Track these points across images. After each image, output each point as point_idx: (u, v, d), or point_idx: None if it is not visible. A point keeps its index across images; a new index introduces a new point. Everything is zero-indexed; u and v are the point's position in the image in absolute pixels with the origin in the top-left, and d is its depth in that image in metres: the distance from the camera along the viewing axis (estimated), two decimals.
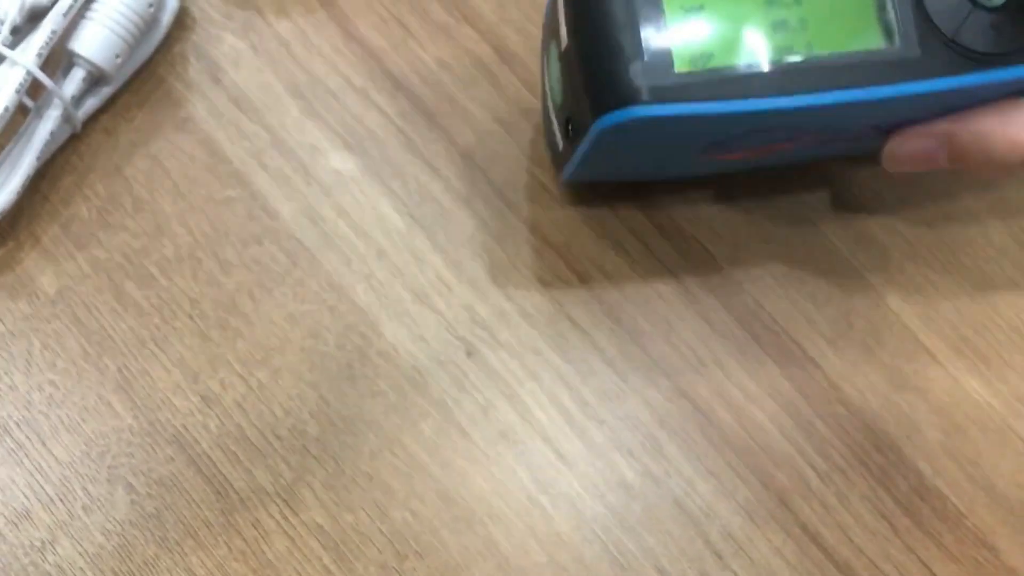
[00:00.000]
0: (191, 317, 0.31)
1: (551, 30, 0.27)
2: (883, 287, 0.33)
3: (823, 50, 0.24)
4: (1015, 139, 0.26)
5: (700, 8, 0.24)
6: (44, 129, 0.30)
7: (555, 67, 0.28)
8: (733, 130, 0.26)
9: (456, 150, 0.33)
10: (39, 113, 0.30)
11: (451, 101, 0.34)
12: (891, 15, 0.24)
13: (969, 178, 0.34)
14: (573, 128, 0.27)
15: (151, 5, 0.31)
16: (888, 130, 0.28)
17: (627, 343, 0.32)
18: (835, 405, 0.32)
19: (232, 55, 0.34)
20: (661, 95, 0.24)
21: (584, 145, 0.27)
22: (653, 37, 0.24)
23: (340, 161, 0.33)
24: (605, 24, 0.24)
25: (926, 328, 0.33)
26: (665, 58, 0.24)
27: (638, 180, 0.33)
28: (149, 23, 0.32)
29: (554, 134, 0.30)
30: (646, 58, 0.23)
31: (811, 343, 0.32)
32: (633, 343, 0.32)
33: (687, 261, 0.33)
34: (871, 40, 0.24)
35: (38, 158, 0.30)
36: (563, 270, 0.32)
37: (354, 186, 0.33)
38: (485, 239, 0.33)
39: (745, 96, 0.24)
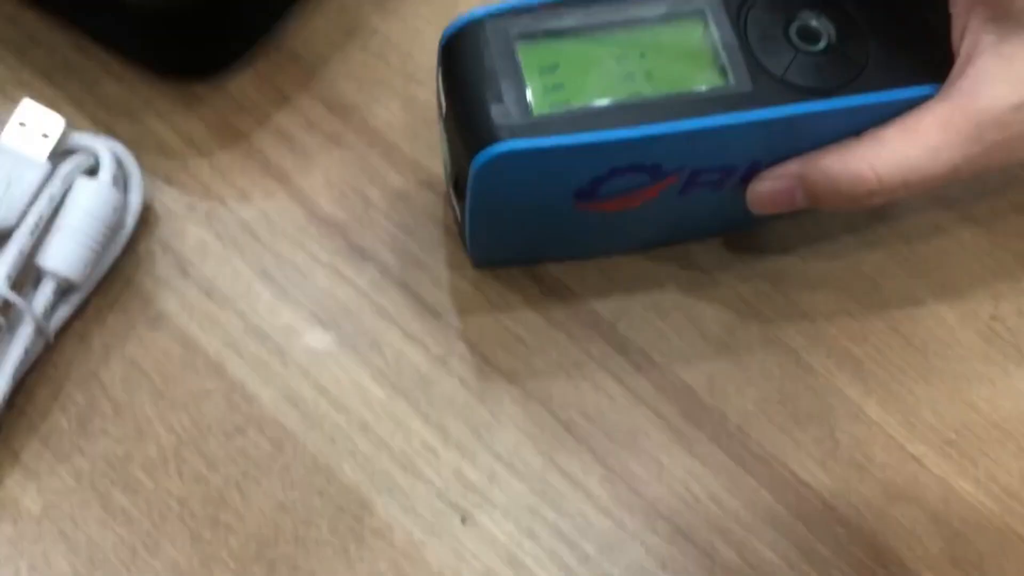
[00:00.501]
0: (181, 518, 0.30)
1: (439, 111, 0.30)
2: (862, 399, 0.33)
3: (666, 90, 0.27)
4: (857, 173, 0.28)
5: (555, 65, 0.28)
6: (17, 348, 0.30)
7: (443, 140, 0.31)
8: (592, 167, 0.28)
9: (428, 312, 0.34)
10: (11, 331, 0.30)
11: (419, 265, 0.34)
12: (724, 60, 0.28)
13: (928, 279, 0.35)
14: (459, 184, 0.30)
15: (116, 210, 0.32)
16: (747, 178, 0.30)
17: (620, 488, 0.32)
18: (834, 526, 0.32)
19: (198, 246, 0.34)
20: (523, 131, 0.27)
21: (469, 196, 0.29)
22: (513, 89, 0.27)
23: (315, 339, 0.33)
24: (472, 83, 0.27)
25: (910, 435, 0.33)
26: (525, 104, 0.27)
27: (543, 258, 0.34)
28: (115, 228, 0.32)
29: (454, 209, 0.32)
30: (507, 105, 0.27)
31: (801, 466, 0.32)
32: (626, 487, 0.32)
33: (667, 396, 0.33)
34: (708, 80, 0.28)
35: (13, 377, 0.30)
36: (547, 419, 0.33)
37: (331, 362, 0.33)
38: (467, 398, 0.33)
39: (595, 128, 0.27)
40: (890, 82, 0.28)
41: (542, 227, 0.32)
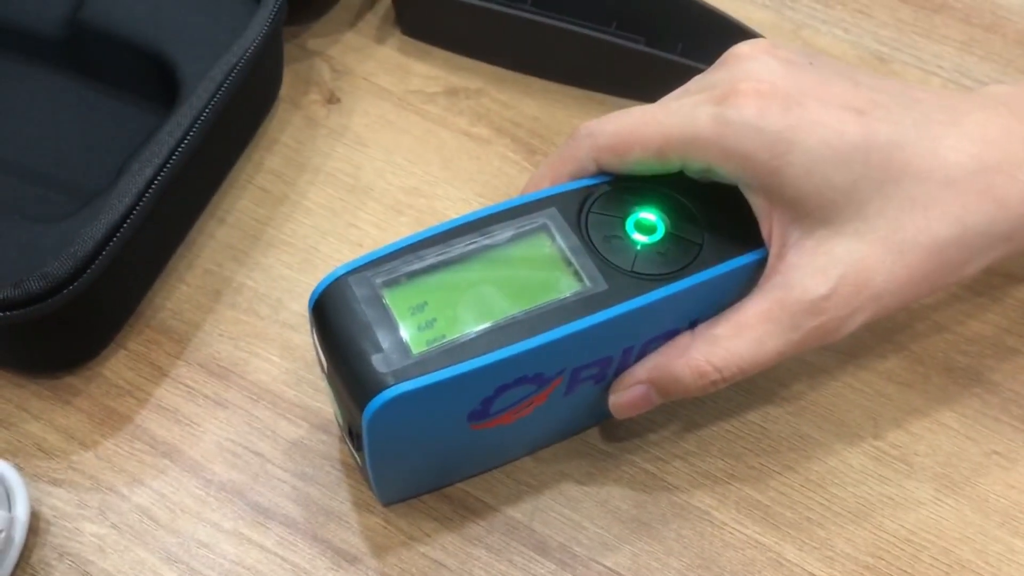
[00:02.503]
0: None
1: (320, 366, 0.31)
2: (778, 545, 0.34)
3: (531, 304, 0.29)
4: (697, 369, 0.31)
5: (424, 304, 0.29)
6: None
7: (330, 392, 0.32)
8: (480, 390, 0.29)
9: (344, 559, 0.33)
10: None
11: (326, 512, 0.34)
12: (576, 266, 0.30)
13: (810, 415, 0.37)
14: (355, 434, 0.30)
15: (2, 530, 0.31)
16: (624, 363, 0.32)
17: None
18: None
19: (95, 543, 0.33)
20: (407, 374, 0.28)
21: (366, 445, 0.29)
22: (389, 334, 0.28)
23: None
24: (348, 338, 0.28)
25: (830, 569, 0.34)
26: (403, 346, 0.28)
27: (449, 482, 0.35)
28: (3, 546, 0.31)
29: (352, 451, 0.33)
30: (386, 351, 0.28)
31: None
32: None
33: None
34: (566, 286, 0.30)
35: None
36: None
37: None
38: None
39: (474, 355, 0.28)
40: (727, 254, 0.31)
41: (444, 454, 0.32)
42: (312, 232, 0.41)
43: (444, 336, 0.28)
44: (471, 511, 0.34)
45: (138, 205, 0.35)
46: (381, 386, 0.27)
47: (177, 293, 0.39)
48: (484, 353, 0.28)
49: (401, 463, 0.32)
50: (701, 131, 0.29)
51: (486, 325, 0.29)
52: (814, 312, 0.30)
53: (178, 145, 0.36)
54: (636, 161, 0.31)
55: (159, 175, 0.35)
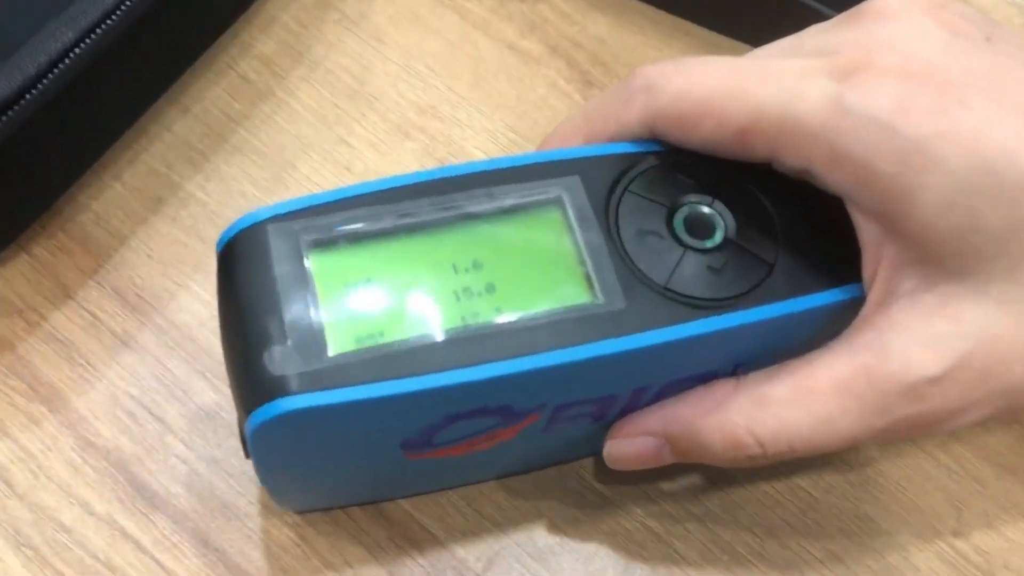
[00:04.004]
0: None
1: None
2: None
3: (512, 312, 0.20)
4: (732, 437, 0.22)
5: (366, 280, 0.20)
6: None
7: None
8: (419, 417, 0.21)
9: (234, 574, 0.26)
10: None
11: (226, 511, 0.26)
12: (590, 267, 0.21)
13: (880, 484, 0.28)
14: (244, 439, 0.21)
15: None
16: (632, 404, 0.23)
17: None
18: None
19: None
20: (315, 382, 0.19)
21: (252, 457, 0.21)
22: (303, 319, 0.20)
23: None
24: (245, 312, 0.20)
25: None
26: (318, 340, 0.19)
27: (379, 500, 0.27)
28: None
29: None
30: (293, 344, 0.19)
31: None
32: None
33: None
34: (568, 296, 0.20)
35: None
36: None
37: None
38: None
39: (416, 372, 0.19)
40: (806, 285, 0.22)
41: (367, 475, 0.24)
42: (293, 143, 0.32)
43: (382, 335, 0.20)
44: (412, 543, 0.27)
45: (55, 70, 0.26)
46: (275, 392, 0.19)
47: (108, 193, 0.31)
48: (431, 371, 0.20)
49: (303, 479, 0.24)
50: (807, 117, 0.20)
51: (444, 331, 0.20)
52: (914, 397, 0.21)
53: (119, 4, 0.28)
54: (705, 139, 0.22)
55: (90, 36, 0.27)
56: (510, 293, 0.21)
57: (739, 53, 0.24)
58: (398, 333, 0.20)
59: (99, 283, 0.29)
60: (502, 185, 0.22)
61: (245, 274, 0.21)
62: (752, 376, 0.22)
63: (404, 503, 0.27)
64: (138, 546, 0.26)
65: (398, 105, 0.34)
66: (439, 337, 0.20)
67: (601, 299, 0.21)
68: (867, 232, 0.21)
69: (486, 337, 0.20)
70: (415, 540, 0.27)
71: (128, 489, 0.26)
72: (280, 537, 0.26)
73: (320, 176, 0.32)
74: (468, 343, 0.20)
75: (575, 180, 0.22)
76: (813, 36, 0.22)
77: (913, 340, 0.20)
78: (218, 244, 0.21)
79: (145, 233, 0.30)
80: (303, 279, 0.20)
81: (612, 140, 0.23)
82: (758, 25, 0.31)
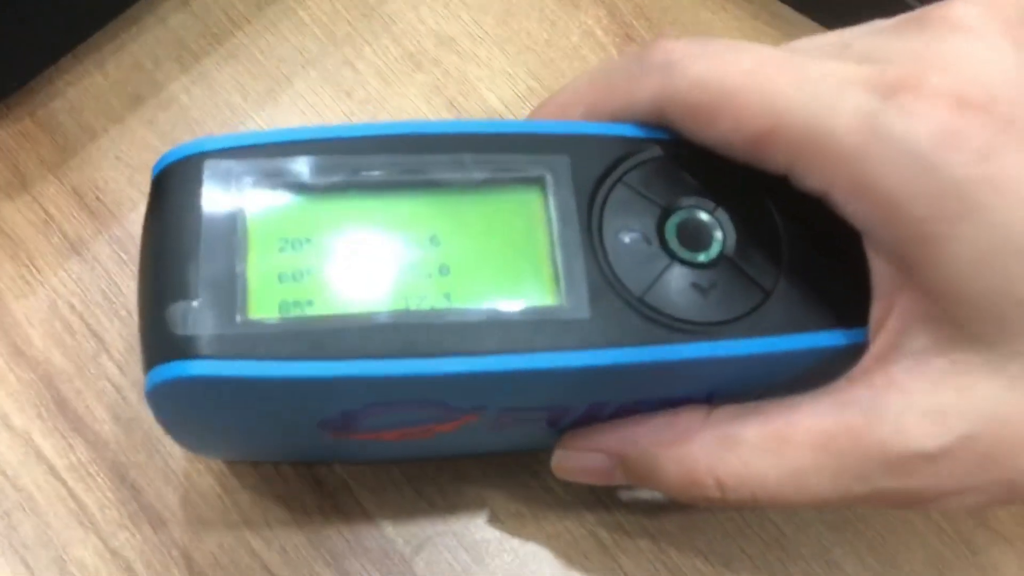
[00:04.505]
0: None
1: None
2: None
3: (462, 303, 0.18)
4: (691, 474, 0.19)
5: (304, 240, 0.18)
6: None
7: None
8: (337, 401, 0.19)
9: (147, 518, 0.24)
10: None
11: (149, 446, 0.25)
12: (559, 264, 0.18)
13: (858, 530, 0.26)
14: None
15: None
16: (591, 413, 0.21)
17: None
18: None
19: None
20: (218, 348, 0.17)
21: (153, 413, 0.19)
22: (223, 273, 0.17)
23: None
24: (163, 252, 0.18)
25: None
26: (233, 300, 0.17)
27: (304, 461, 0.25)
28: None
29: None
30: (204, 301, 0.17)
31: None
32: None
33: None
34: (529, 293, 0.18)
35: None
36: None
37: None
38: None
39: (336, 356, 0.17)
40: (803, 322, 0.19)
41: (285, 441, 0.22)
42: (293, 56, 0.30)
43: (310, 304, 0.18)
44: (341, 514, 0.25)
45: None
46: (175, 353, 0.17)
47: (86, 82, 0.29)
48: (356, 357, 0.17)
49: (213, 439, 0.22)
50: (836, 134, 0.17)
51: (382, 312, 0.18)
52: (901, 471, 0.18)
53: None
54: (720, 136, 0.19)
55: None
56: (464, 280, 0.18)
57: (808, 32, 0.21)
58: (329, 307, 0.18)
59: (59, 179, 0.27)
60: (479, 153, 0.19)
61: (170, 211, 0.18)
62: (724, 410, 0.20)
63: (342, 472, 0.25)
64: (50, 469, 0.24)
65: (415, 31, 0.31)
66: (375, 319, 0.18)
67: (565, 303, 0.18)
68: (882, 275, 0.18)
69: (428, 327, 0.18)
70: (345, 512, 0.25)
71: (51, 406, 0.25)
72: (202, 485, 0.25)
73: (316, 97, 0.29)
74: (406, 331, 0.17)
75: (564, 160, 0.19)
76: (865, 36, 0.19)
77: (913, 407, 0.18)
78: (153, 170, 0.19)
79: (118, 132, 0.28)
80: (232, 228, 0.18)
81: (615, 117, 0.20)
82: (831, 5, 0.27)
